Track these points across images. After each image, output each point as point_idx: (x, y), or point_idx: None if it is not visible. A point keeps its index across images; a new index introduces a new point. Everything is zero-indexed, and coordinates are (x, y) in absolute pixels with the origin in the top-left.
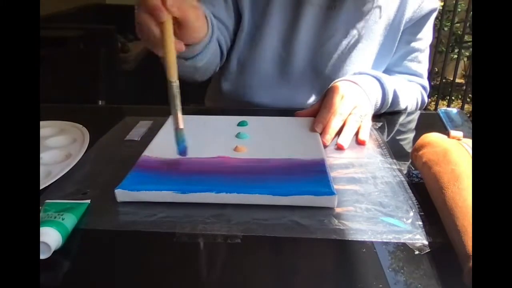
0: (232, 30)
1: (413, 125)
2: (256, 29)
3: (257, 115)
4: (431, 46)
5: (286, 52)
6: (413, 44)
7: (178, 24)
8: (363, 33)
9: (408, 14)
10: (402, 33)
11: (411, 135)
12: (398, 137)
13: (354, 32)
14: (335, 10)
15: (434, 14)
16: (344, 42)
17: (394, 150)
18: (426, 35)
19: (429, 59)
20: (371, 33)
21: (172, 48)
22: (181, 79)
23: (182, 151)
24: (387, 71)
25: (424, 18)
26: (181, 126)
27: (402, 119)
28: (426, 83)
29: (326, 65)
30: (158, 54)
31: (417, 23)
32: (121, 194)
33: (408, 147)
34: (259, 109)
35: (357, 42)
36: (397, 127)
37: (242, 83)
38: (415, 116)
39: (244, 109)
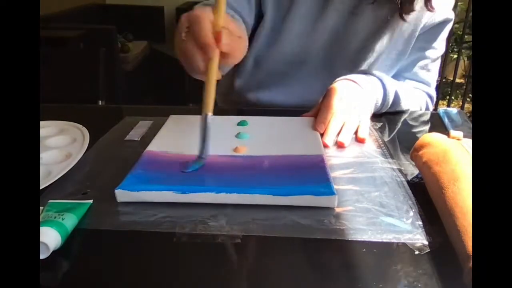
0: (251, 28)
1: (413, 125)
2: (277, 29)
3: (257, 115)
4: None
5: (303, 53)
6: (425, 52)
7: (223, 55)
8: (381, 38)
9: (424, 20)
10: (416, 40)
11: (411, 135)
12: (398, 137)
13: (372, 37)
14: (357, 15)
15: (449, 25)
16: (362, 47)
17: (394, 150)
18: (439, 45)
19: (439, 70)
20: (389, 38)
21: (214, 82)
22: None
23: (190, 170)
24: (396, 75)
25: (438, 27)
26: (202, 155)
27: (402, 119)
28: (433, 92)
29: (341, 67)
30: (194, 76)
31: (431, 31)
32: (121, 194)
33: (408, 147)
34: (259, 109)
35: (374, 46)
36: (397, 127)
37: (256, 81)
38: (415, 116)
39: (244, 109)
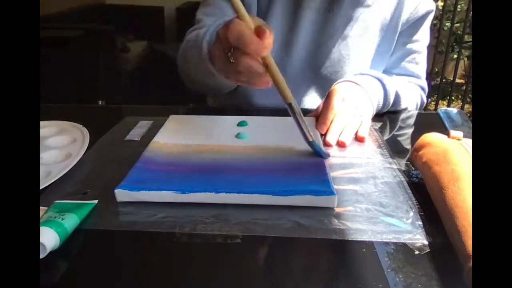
0: None
1: (413, 125)
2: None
3: (257, 115)
4: (430, 46)
5: (286, 54)
6: (410, 46)
7: None
8: (360, 34)
9: (405, 15)
10: (399, 35)
11: (411, 135)
12: (398, 137)
13: (352, 33)
14: (333, 12)
15: (431, 16)
16: (342, 43)
17: (394, 150)
18: (423, 37)
19: (427, 60)
20: (368, 34)
21: (280, 75)
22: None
23: (326, 156)
24: (385, 72)
25: (420, 20)
26: (311, 139)
27: (402, 118)
28: (424, 84)
29: (325, 66)
30: (256, 87)
31: (414, 25)
32: (121, 194)
33: (408, 147)
34: (259, 109)
35: (354, 42)
36: (397, 127)
37: (243, 86)
38: (415, 116)
39: (244, 109)
